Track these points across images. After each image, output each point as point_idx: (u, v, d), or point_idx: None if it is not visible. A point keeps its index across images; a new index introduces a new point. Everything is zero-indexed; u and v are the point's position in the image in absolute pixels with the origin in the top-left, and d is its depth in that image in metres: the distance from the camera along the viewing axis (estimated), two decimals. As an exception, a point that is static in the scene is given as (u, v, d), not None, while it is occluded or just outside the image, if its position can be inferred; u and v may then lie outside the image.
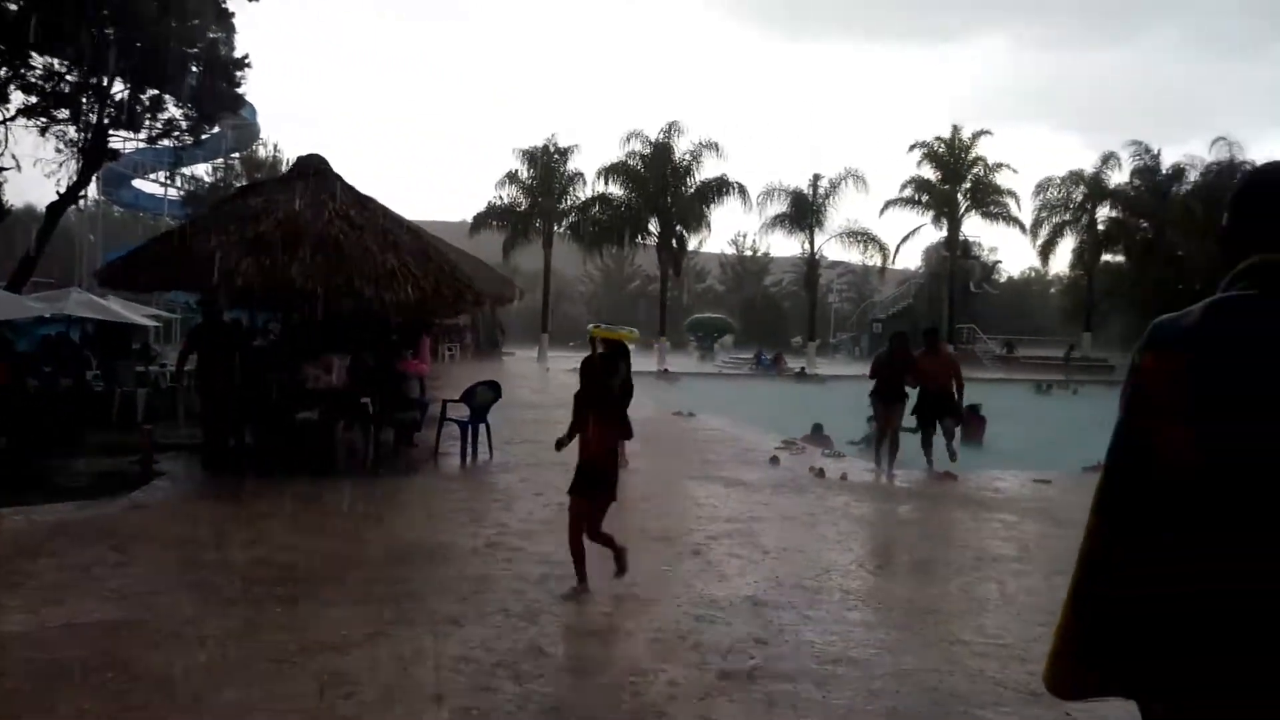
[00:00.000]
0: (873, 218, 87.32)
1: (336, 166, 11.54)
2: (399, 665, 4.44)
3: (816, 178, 42.80)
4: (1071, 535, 1.74)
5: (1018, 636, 5.03)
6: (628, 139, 41.70)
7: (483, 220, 43.97)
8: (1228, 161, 40.01)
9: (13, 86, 21.64)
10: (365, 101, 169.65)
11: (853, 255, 46.99)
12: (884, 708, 4.11)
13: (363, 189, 11.52)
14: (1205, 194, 38.52)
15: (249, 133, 39.05)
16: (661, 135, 41.66)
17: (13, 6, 19.63)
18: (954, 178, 46.41)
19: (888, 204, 46.65)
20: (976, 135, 46.71)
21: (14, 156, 21.95)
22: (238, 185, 35.94)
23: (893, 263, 47.64)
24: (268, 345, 12.73)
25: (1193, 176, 42.15)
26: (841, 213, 43.61)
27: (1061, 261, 50.09)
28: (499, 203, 44.11)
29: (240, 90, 24.03)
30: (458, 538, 7.28)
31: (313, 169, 11.28)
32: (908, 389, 11.39)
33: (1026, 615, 5.46)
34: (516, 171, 43.84)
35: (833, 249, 45.36)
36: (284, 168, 38.82)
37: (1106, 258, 46.28)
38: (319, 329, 11.00)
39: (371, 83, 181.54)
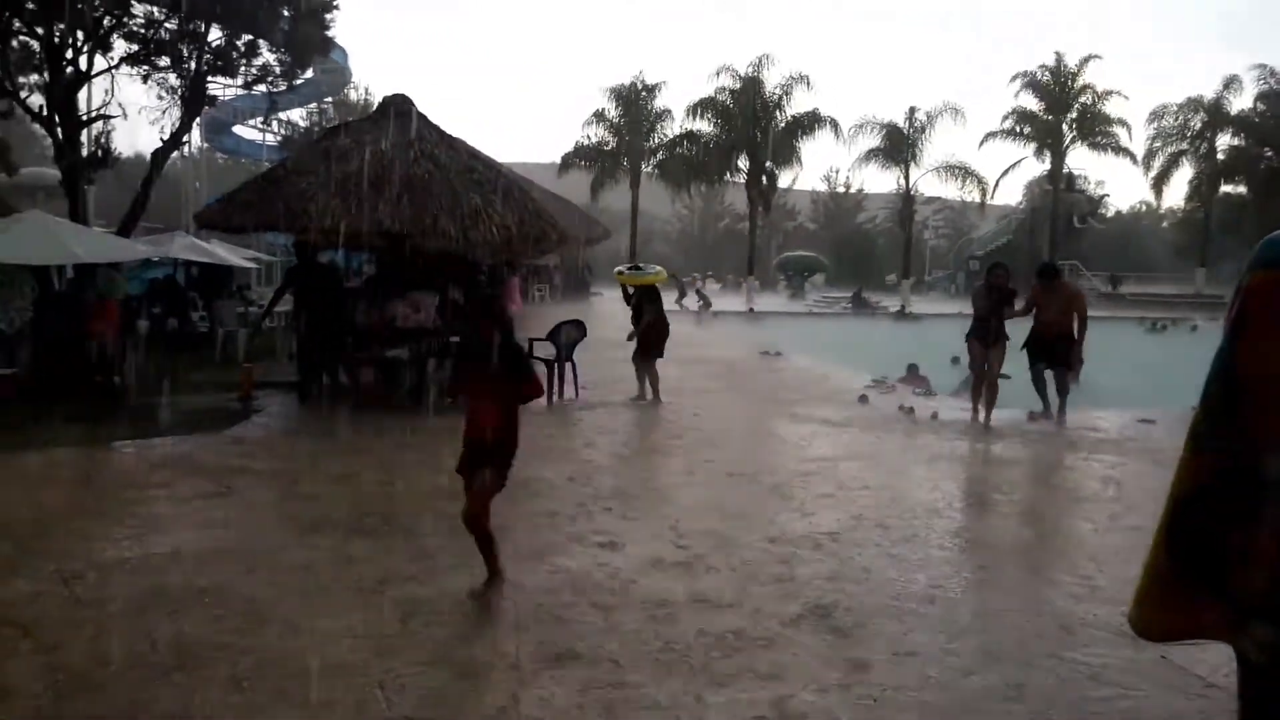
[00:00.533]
0: (972, 151, 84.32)
1: (425, 108, 11.60)
2: (480, 595, 4.51)
3: (912, 110, 41.38)
4: (1171, 475, 1.61)
5: (1112, 578, 4.84)
6: (716, 74, 40.90)
7: (570, 160, 43.92)
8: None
9: (116, 35, 22.32)
10: (454, 43, 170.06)
11: (950, 190, 45.48)
12: (968, 648, 4.01)
13: (451, 130, 11.56)
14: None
15: (341, 77, 39.54)
16: (751, 69, 40.74)
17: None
18: (1059, 108, 44.26)
19: (987, 136, 44.91)
20: (1084, 61, 44.37)
21: (120, 105, 22.70)
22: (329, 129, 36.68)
23: (992, 198, 45.92)
24: (360, 285, 12.98)
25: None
26: (938, 146, 42.19)
27: (1176, 194, 47.64)
28: (586, 142, 43.96)
29: (330, 34, 24.31)
30: (543, 472, 7.35)
31: (397, 109, 11.34)
32: (1008, 324, 10.00)
33: (1122, 556, 5.24)
34: (604, 110, 43.56)
35: (929, 184, 44.14)
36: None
37: (1226, 189, 43.77)
38: (408, 268, 11.15)
39: (460, 24, 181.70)
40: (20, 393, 10.41)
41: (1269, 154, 40.73)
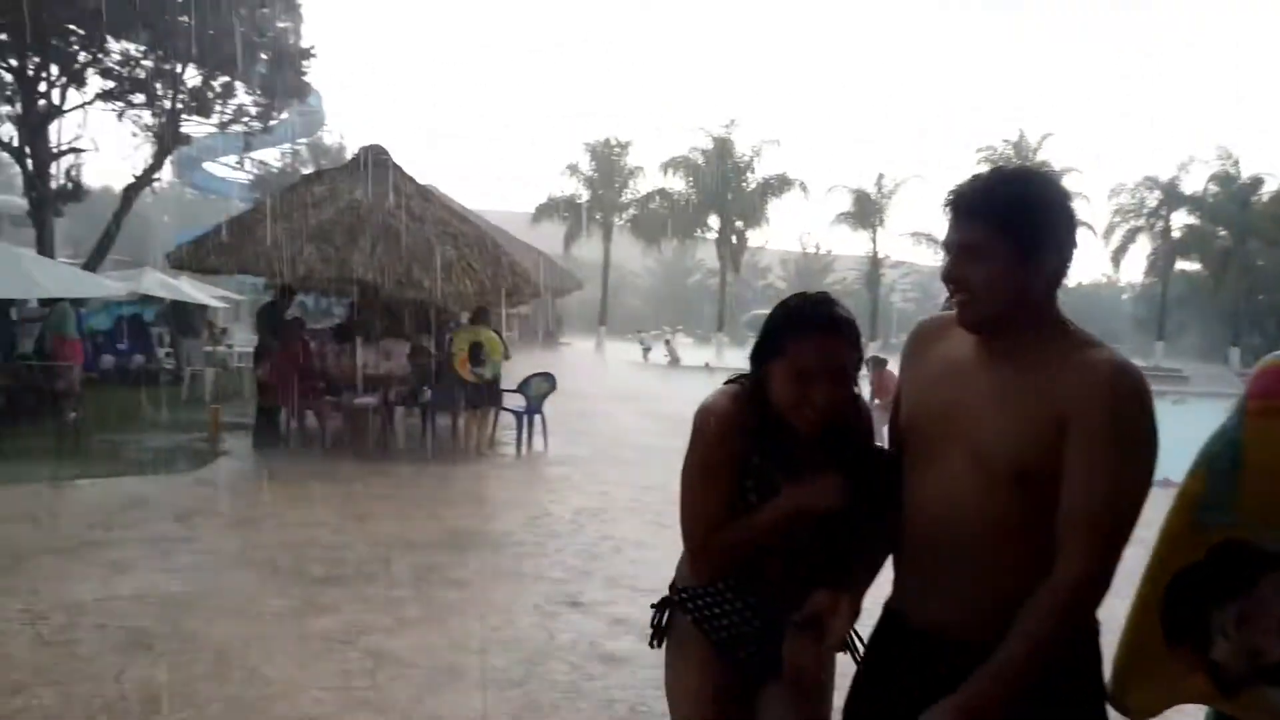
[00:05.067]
0: (939, 219, 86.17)
1: (399, 154, 11.78)
2: (449, 649, 4.55)
3: (880, 176, 42.42)
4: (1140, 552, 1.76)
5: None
6: (689, 132, 41.76)
7: (544, 212, 44.34)
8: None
9: (91, 70, 22.38)
10: (428, 90, 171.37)
11: (917, 255, 46.50)
12: None
13: (425, 177, 11.76)
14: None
15: (315, 119, 39.79)
16: (724, 129, 41.63)
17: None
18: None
19: (948, 203, 45.96)
20: (1043, 139, 45.82)
21: (92, 140, 22.73)
22: (303, 171, 36.77)
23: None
24: (331, 329, 13.02)
25: (1272, 185, 40.81)
26: (906, 213, 43.15)
27: (1135, 268, 48.88)
28: (560, 195, 44.45)
29: (306, 78, 24.55)
30: (509, 526, 7.40)
31: (374, 159, 11.50)
32: None
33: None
34: (577, 164, 44.13)
35: (898, 248, 44.99)
36: (349, 154, 39.67)
37: (1182, 265, 45.06)
38: (379, 316, 11.22)
39: (434, 71, 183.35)
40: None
41: (1222, 233, 42.06)
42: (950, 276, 1.70)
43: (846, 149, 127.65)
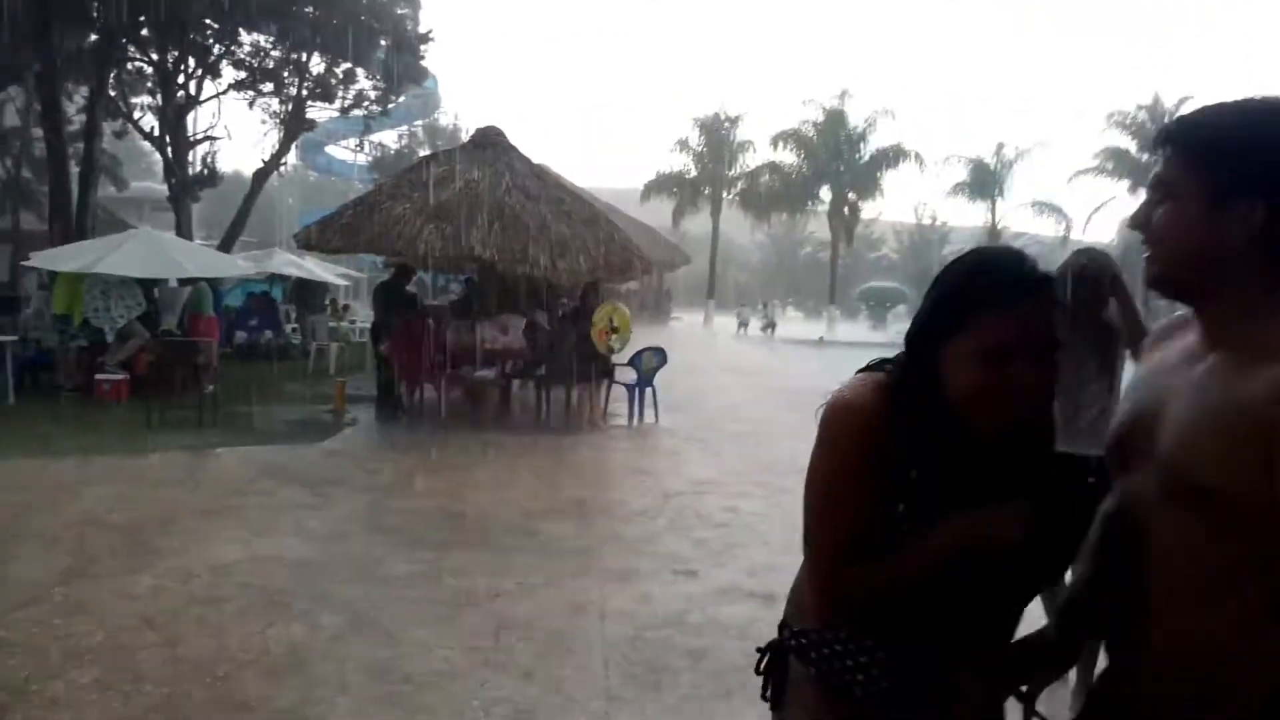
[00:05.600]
0: (1062, 188, 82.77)
1: (512, 132, 11.99)
2: (569, 613, 4.67)
3: (1000, 145, 40.96)
4: None
5: None
6: (801, 105, 41.18)
7: (653, 188, 44.41)
8: None
9: (225, 62, 23.45)
10: (539, 70, 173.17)
11: (1039, 225, 44.77)
12: None
13: (537, 156, 11.92)
14: None
15: (431, 101, 40.74)
16: (835, 101, 40.81)
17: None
18: (1154, 146, 43.21)
19: (1078, 173, 44.08)
20: (1181, 103, 43.27)
21: (225, 128, 23.95)
22: (420, 152, 37.72)
23: (1083, 234, 45.05)
24: (447, 305, 13.38)
25: None
26: (1027, 181, 41.52)
27: None
28: (669, 171, 44.44)
29: (423, 63, 25.15)
30: (626, 495, 7.52)
31: (491, 140, 11.72)
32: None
33: None
34: (687, 139, 44.01)
35: (1017, 219, 43.47)
36: (463, 135, 40.47)
37: None
38: (496, 292, 11.47)
39: (545, 52, 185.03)
40: (131, 393, 11.05)
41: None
42: (1138, 223, 1.36)
43: (965, 117, 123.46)
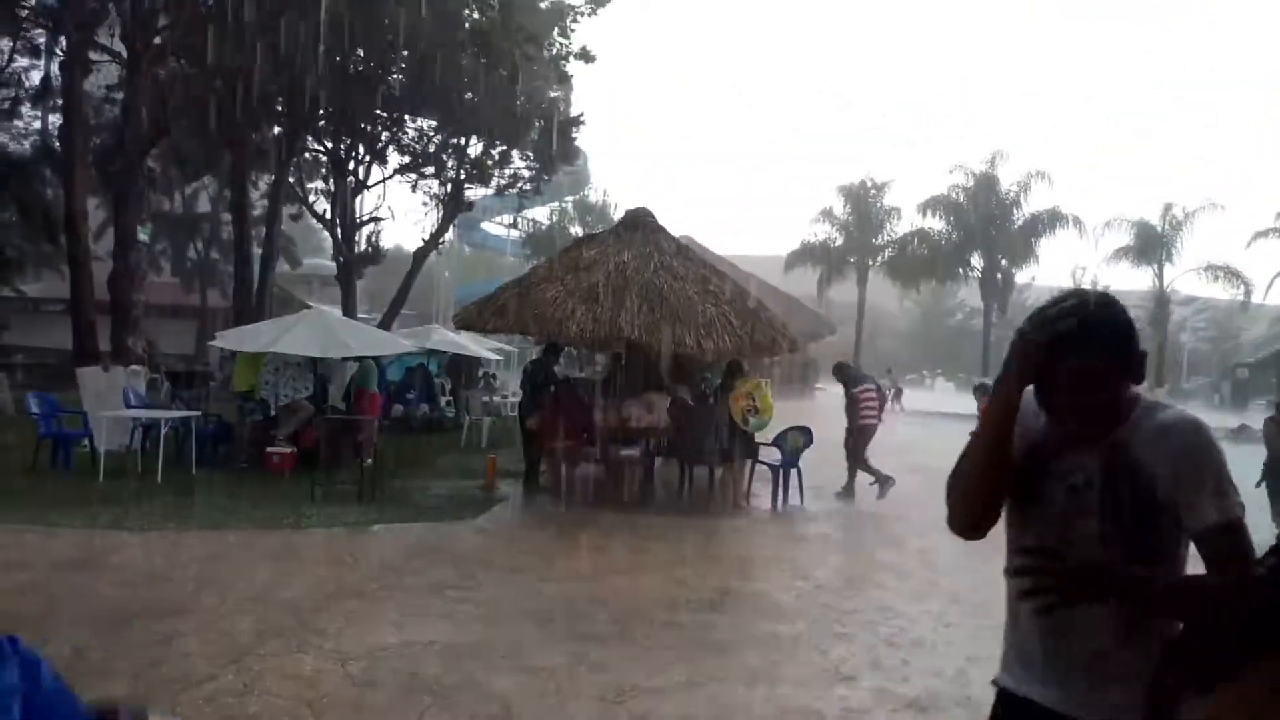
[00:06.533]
0: (1238, 250, 77.90)
1: (658, 204, 12.27)
2: (712, 716, 4.59)
3: (1168, 206, 38.98)
4: None
5: None
6: (950, 170, 40.39)
7: (797, 258, 44.32)
8: None
9: (391, 148, 25.04)
10: (685, 141, 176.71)
11: (1213, 290, 42.10)
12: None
13: (683, 226, 12.16)
14: None
15: (581, 178, 42.14)
16: (985, 166, 39.89)
17: (396, 78, 22.70)
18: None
19: (1257, 235, 41.40)
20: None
21: (390, 208, 25.62)
22: (570, 228, 38.94)
23: (1263, 299, 42.10)
24: (595, 382, 13.64)
25: None
26: (1198, 244, 39.26)
27: None
28: (813, 239, 44.28)
29: (575, 142, 26.14)
30: (770, 587, 7.38)
31: (640, 222, 12.00)
32: None
33: None
34: (831, 208, 43.84)
35: (1188, 283, 41.05)
36: (612, 210, 41.62)
37: None
38: (642, 370, 11.63)
39: (693, 118, 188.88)
40: (298, 465, 11.71)
41: None
42: None
43: (1128, 178, 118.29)
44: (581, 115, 24.84)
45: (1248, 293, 39.70)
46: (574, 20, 24.13)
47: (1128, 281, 54.48)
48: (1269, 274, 44.75)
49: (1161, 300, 40.81)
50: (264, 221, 24.51)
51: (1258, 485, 10.49)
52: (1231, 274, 39.04)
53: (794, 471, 11.41)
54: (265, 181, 25.44)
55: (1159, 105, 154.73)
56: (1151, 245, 39.22)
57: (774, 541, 9.50)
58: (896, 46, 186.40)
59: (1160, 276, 39.82)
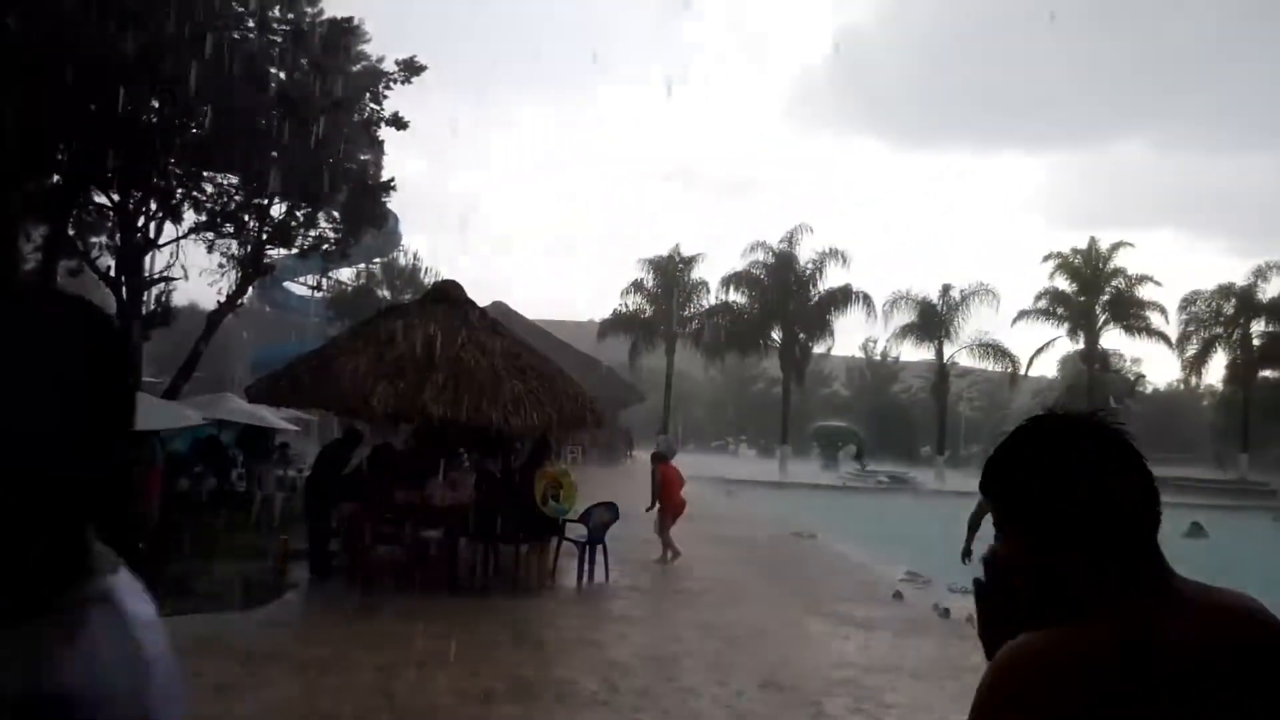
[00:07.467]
0: (1005, 328, 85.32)
1: (469, 269, 12.22)
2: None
3: (946, 288, 42.38)
4: None
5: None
6: (751, 248, 42.39)
7: (609, 327, 45.06)
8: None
9: (186, 205, 23.70)
10: (499, 207, 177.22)
11: (985, 364, 45.94)
12: None
13: (495, 292, 12.13)
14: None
15: (390, 239, 41.27)
16: (783, 244, 42.14)
17: (193, 131, 21.60)
18: (1091, 289, 44.93)
19: (1020, 314, 45.56)
20: (1115, 247, 45.33)
21: (183, 268, 24.04)
22: (378, 290, 37.98)
23: (1025, 374, 46.24)
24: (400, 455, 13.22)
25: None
26: (972, 323, 42.69)
27: (1216, 374, 47.32)
28: (625, 309, 45.20)
29: (385, 205, 25.59)
30: (577, 674, 7.31)
31: (448, 295, 11.87)
32: None
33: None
34: (642, 280, 44.97)
35: (966, 355, 44.47)
36: (422, 273, 40.96)
37: (1265, 373, 43.69)
38: (447, 448, 11.40)
39: (507, 188, 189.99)
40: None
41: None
42: None
43: (911, 260, 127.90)
44: (393, 180, 24.42)
45: (1014, 366, 43.58)
46: (386, 86, 23.82)
47: (913, 354, 58.66)
48: (1031, 349, 49.17)
49: (942, 373, 44.08)
50: (36, 276, 22.52)
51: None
52: (999, 351, 42.81)
53: (599, 548, 11.42)
54: (40, 234, 23.46)
55: (931, 193, 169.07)
56: (932, 323, 42.42)
57: (578, 624, 9.42)
58: (705, 134, 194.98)
59: (940, 353, 43.06)
